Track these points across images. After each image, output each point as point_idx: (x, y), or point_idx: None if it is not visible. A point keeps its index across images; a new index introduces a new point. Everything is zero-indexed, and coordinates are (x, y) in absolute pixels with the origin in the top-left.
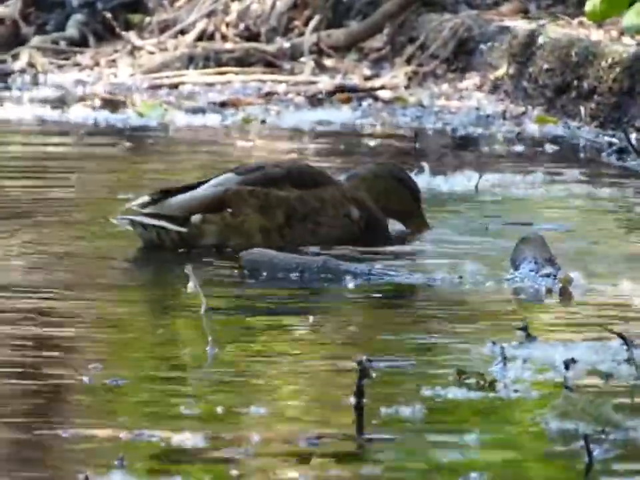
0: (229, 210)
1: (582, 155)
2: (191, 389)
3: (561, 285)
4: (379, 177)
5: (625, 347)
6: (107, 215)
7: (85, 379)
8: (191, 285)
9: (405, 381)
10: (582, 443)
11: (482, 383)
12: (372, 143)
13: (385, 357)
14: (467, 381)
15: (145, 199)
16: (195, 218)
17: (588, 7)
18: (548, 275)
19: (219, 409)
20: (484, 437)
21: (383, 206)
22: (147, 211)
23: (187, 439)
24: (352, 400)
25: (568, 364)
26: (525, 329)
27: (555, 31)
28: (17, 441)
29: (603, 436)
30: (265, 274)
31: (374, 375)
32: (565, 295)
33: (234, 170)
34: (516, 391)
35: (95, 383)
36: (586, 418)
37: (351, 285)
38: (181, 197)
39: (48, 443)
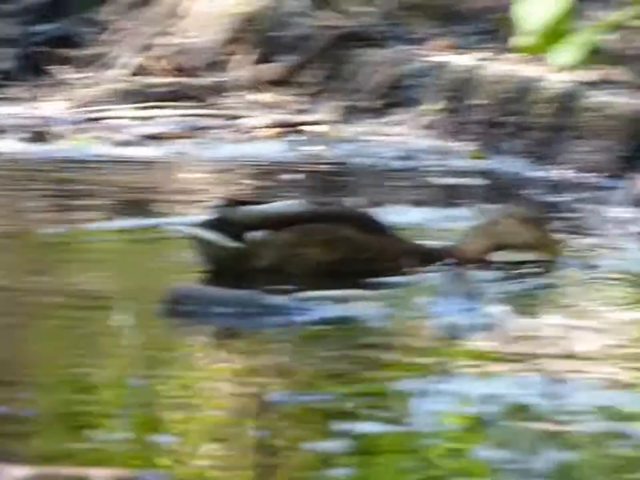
0: (293, 238)
1: (512, 191)
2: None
3: (488, 319)
4: (498, 223)
5: (545, 381)
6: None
7: (2, 408)
8: (117, 317)
9: (319, 415)
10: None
11: (396, 416)
12: (303, 176)
13: (301, 392)
14: (382, 415)
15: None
16: (253, 236)
17: (518, 43)
18: (472, 309)
19: (125, 438)
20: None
21: (518, 245)
22: (214, 217)
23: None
24: (256, 433)
25: (487, 398)
26: (444, 362)
27: (485, 66)
28: None
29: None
30: (187, 308)
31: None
32: (492, 329)
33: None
34: (430, 424)
35: (8, 413)
36: (519, 447)
37: (275, 319)
38: (252, 207)
39: None
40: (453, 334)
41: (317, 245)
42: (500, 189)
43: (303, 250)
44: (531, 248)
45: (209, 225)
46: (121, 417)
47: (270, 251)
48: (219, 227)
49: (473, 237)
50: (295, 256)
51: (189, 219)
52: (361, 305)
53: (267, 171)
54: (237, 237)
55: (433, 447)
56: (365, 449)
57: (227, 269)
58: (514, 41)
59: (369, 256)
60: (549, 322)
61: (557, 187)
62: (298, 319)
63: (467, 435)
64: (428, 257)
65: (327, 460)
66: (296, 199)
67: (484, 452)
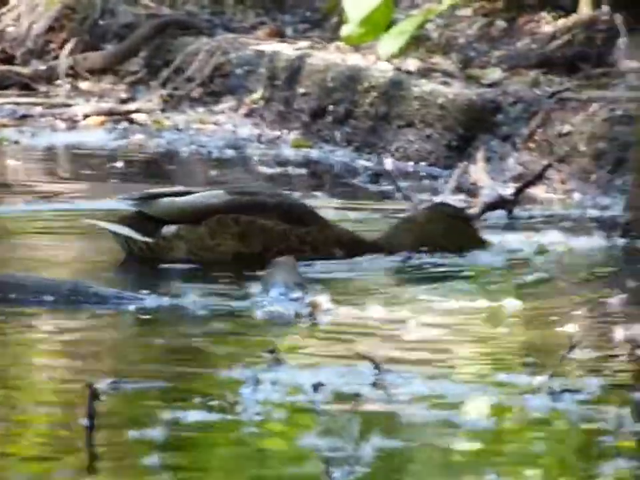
0: (207, 230)
1: (337, 179)
2: None
3: (310, 308)
4: (432, 220)
5: (373, 370)
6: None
7: None
8: None
9: (149, 404)
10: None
11: (225, 405)
12: (125, 165)
13: (127, 379)
14: (210, 404)
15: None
16: (167, 230)
17: (344, 32)
18: (297, 299)
19: None
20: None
21: (449, 243)
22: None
23: None
24: (85, 421)
25: (316, 387)
26: (272, 351)
27: (312, 55)
28: None
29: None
30: (14, 296)
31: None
32: (314, 319)
33: (225, 190)
34: (258, 413)
35: None
36: (345, 435)
37: (100, 309)
38: (172, 200)
39: None
40: (280, 323)
41: (232, 237)
42: (323, 178)
43: (217, 242)
44: (456, 246)
45: (126, 219)
46: None
47: (183, 244)
48: (137, 220)
49: (399, 230)
50: (208, 249)
51: (20, 207)
52: (193, 295)
53: (91, 160)
54: (154, 230)
55: (261, 436)
56: (192, 437)
57: (142, 262)
58: (342, 30)
59: (290, 246)
60: (379, 312)
61: (382, 175)
62: (126, 308)
63: (295, 424)
64: (358, 247)
65: (151, 448)
66: (216, 190)
67: (311, 440)
